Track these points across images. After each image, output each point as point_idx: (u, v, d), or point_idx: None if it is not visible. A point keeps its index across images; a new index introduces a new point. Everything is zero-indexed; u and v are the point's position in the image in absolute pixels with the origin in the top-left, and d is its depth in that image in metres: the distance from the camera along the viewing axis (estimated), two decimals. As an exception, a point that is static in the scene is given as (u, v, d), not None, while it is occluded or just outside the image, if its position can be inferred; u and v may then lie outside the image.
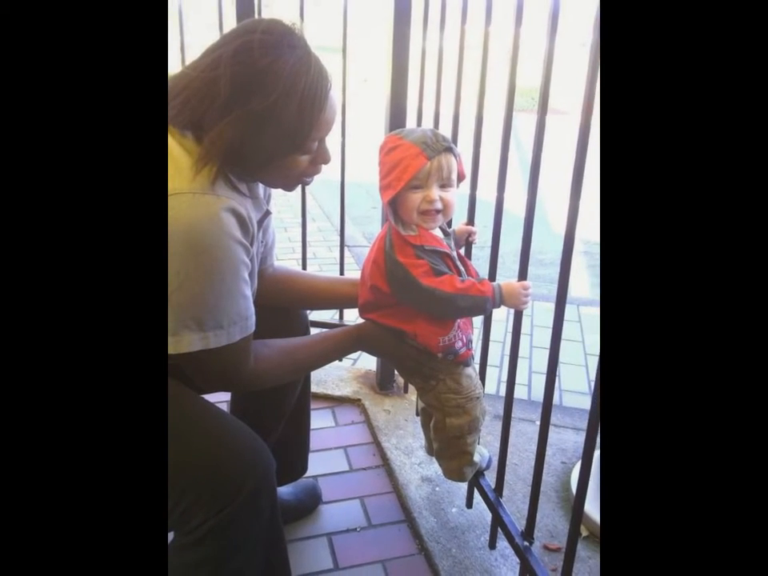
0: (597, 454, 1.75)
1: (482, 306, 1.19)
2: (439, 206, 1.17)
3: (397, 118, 1.84)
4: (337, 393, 2.22)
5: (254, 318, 1.07)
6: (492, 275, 1.42)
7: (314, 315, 2.03)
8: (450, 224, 1.33)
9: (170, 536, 1.05)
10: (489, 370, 1.59)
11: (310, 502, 1.68)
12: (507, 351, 1.54)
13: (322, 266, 3.77)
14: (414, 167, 1.13)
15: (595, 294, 3.68)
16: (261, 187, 1.17)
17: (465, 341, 1.29)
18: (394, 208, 1.20)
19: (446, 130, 1.32)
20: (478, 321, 1.65)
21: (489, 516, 1.54)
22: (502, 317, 2.88)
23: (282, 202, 4.72)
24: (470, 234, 1.43)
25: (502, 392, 1.48)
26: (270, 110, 0.97)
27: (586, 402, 2.32)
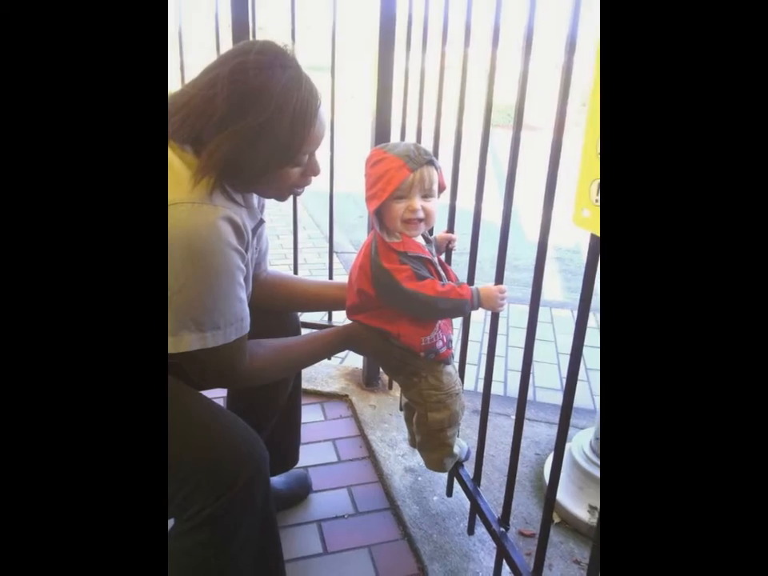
0: (568, 446, 1.77)
1: (462, 308, 1.20)
2: (421, 215, 1.18)
3: (382, 132, 1.85)
4: (326, 389, 2.22)
5: (248, 319, 1.07)
6: (470, 279, 1.43)
7: (305, 317, 2.03)
8: (431, 232, 1.34)
9: (171, 523, 1.05)
10: (467, 367, 1.59)
11: (301, 491, 1.68)
12: (484, 350, 1.55)
13: (312, 271, 3.76)
14: (397, 179, 1.14)
15: (566, 297, 3.70)
16: (255, 197, 1.17)
17: (445, 341, 1.30)
18: (380, 217, 1.20)
19: (427, 144, 1.33)
20: (457, 322, 1.66)
21: (467, 504, 1.55)
22: (479, 318, 2.90)
23: (274, 212, 4.70)
24: (450, 241, 1.44)
25: (480, 388, 1.48)
26: (264, 126, 0.97)
27: (558, 398, 2.33)
